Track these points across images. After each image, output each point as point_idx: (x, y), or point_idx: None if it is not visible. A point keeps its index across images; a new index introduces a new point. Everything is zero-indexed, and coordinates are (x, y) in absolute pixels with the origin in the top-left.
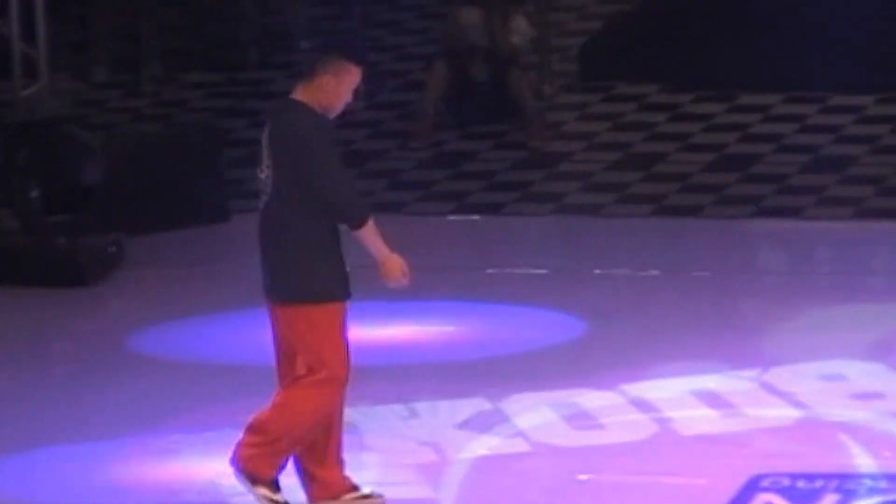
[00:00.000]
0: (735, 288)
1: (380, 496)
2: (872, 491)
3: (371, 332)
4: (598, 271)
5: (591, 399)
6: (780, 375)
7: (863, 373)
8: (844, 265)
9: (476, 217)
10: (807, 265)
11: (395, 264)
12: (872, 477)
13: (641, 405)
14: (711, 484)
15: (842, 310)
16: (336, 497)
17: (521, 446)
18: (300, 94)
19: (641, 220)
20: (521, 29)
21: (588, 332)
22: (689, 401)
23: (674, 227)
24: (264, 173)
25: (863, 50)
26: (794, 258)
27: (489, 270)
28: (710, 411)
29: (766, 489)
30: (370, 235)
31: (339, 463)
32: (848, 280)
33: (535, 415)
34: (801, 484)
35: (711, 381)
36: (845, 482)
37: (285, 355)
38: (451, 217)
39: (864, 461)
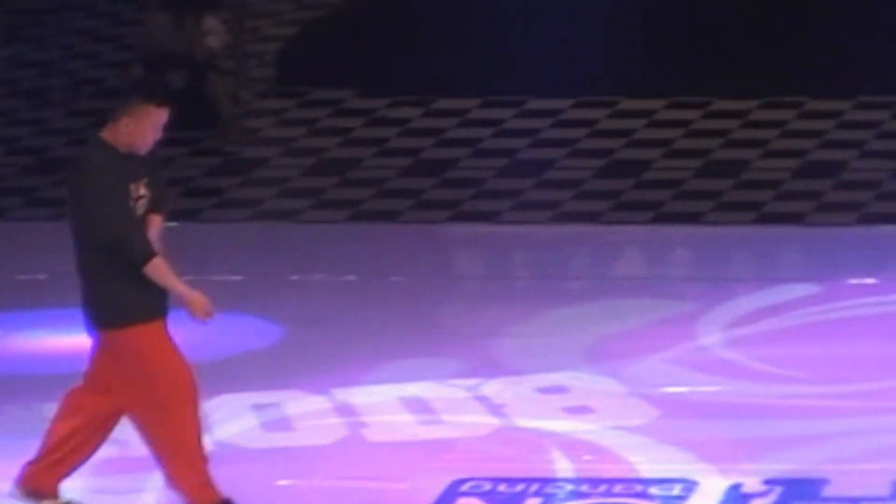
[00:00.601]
0: (433, 293)
1: None
2: (573, 494)
3: (63, 339)
4: (295, 277)
5: (293, 404)
6: (485, 382)
7: (569, 379)
8: (543, 269)
9: (173, 224)
10: (505, 269)
11: (196, 303)
12: (573, 481)
13: (344, 410)
14: (413, 488)
15: (544, 314)
16: (38, 496)
17: (223, 451)
18: (105, 131)
19: (338, 226)
20: (216, 30)
21: (287, 337)
22: (391, 406)
23: (370, 233)
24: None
25: (559, 53)
26: (492, 262)
27: (186, 277)
28: (413, 417)
29: (466, 493)
30: (158, 274)
31: (61, 470)
32: (547, 284)
33: (237, 420)
34: (502, 488)
35: (412, 387)
36: (546, 486)
37: (91, 376)
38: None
39: (565, 465)
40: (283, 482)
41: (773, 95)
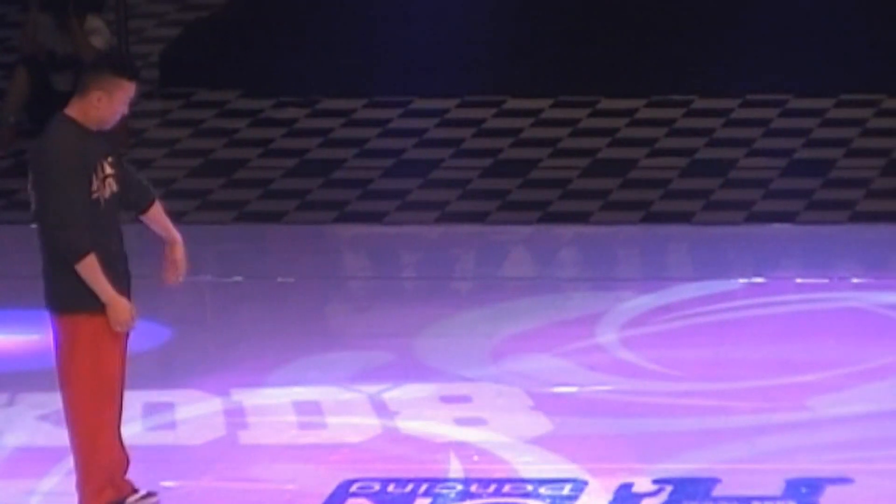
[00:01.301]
0: (321, 294)
1: None
2: (463, 494)
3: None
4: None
5: (180, 405)
6: (373, 383)
7: (460, 379)
8: (430, 270)
9: None
10: (392, 270)
11: (121, 309)
12: (463, 481)
13: (232, 411)
14: (301, 489)
15: (433, 315)
16: None
17: None
18: (72, 108)
19: (223, 227)
20: (99, 30)
21: (173, 338)
22: (279, 407)
23: (256, 234)
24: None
25: (444, 53)
26: (378, 263)
27: None
28: (301, 418)
29: (355, 494)
30: (88, 274)
31: None
32: (435, 284)
33: (124, 421)
34: (391, 488)
35: (300, 389)
36: (436, 486)
37: None
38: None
39: (455, 466)
40: (168, 483)
41: (660, 94)
